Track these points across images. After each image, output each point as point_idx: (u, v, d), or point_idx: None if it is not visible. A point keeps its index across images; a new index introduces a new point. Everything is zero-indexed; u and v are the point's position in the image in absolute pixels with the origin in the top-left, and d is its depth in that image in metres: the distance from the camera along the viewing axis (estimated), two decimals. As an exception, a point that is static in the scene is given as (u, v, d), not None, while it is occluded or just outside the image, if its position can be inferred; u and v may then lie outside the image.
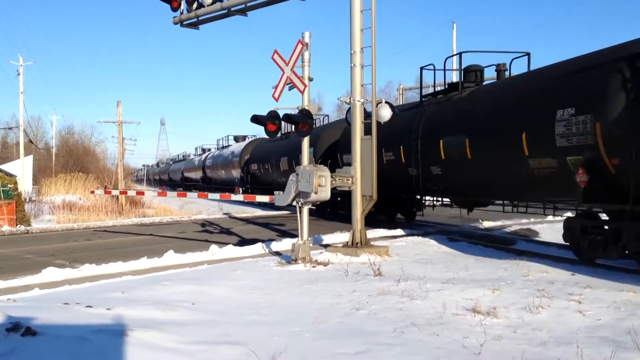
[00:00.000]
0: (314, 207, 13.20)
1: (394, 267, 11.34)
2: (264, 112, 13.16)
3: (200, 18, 16.09)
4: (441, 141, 13.80)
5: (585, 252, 11.54)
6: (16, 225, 24.13)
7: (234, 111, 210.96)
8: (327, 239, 16.50)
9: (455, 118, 13.99)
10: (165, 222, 27.24)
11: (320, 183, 12.11)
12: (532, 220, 21.72)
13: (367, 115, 13.91)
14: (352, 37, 13.32)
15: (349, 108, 14.07)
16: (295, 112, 13.31)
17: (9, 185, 25.14)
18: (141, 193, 30.77)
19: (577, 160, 10.80)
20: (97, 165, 57.85)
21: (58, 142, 68.69)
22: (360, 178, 13.30)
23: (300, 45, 12.82)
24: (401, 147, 17.41)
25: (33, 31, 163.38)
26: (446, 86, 17.27)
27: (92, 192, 29.76)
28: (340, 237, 16.70)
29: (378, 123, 13.51)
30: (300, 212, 12.72)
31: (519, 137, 12.18)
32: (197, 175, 51.82)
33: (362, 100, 13.59)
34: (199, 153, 59.06)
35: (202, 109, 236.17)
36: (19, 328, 5.78)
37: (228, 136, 47.53)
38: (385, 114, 14.06)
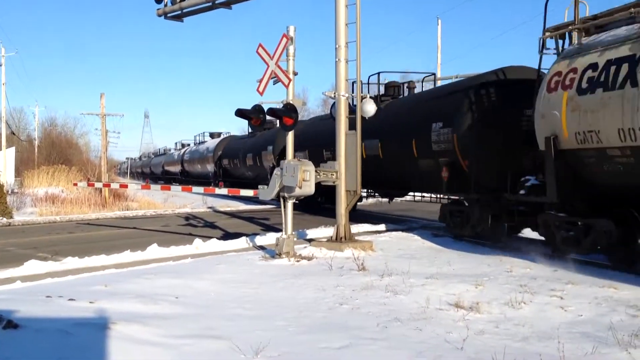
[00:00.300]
0: (297, 202, 13.16)
1: (378, 262, 11.37)
2: (249, 106, 13.14)
3: (184, 10, 16.01)
4: (363, 143, 15.67)
5: (452, 229, 15.43)
6: (-3, 217, 23.89)
7: (219, 104, 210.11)
8: (311, 233, 16.51)
9: (373, 125, 16.00)
10: (149, 216, 27.11)
11: (305, 178, 12.10)
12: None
13: (352, 110, 13.92)
14: (337, 31, 13.31)
15: (334, 103, 14.06)
16: (280, 106, 13.28)
17: (-10, 177, 24.89)
18: (125, 186, 30.56)
19: (444, 161, 14.71)
20: (80, 158, 57.35)
21: (41, 134, 68.02)
22: (344, 173, 13.31)
23: (285, 39, 12.78)
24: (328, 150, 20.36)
25: (15, 22, 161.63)
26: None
27: (75, 184, 29.57)
28: (324, 231, 16.72)
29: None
30: (284, 207, 12.71)
31: (410, 142, 16.07)
32: (176, 168, 54.63)
33: (346, 95, 13.60)
34: (178, 148, 61.50)
35: (187, 102, 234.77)
36: (1, 321, 5.76)
37: (204, 132, 50.40)
38: (370, 109, 14.08)
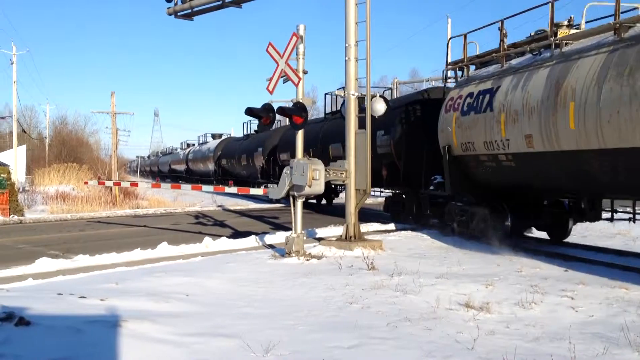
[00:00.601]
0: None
1: (388, 261, 11.36)
2: (259, 105, 13.14)
3: (194, 9, 16.04)
4: (330, 146, 19.79)
5: (394, 216, 19.40)
6: (9, 215, 24.03)
7: (229, 103, 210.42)
8: (320, 232, 16.52)
9: (337, 131, 19.74)
10: (159, 214, 27.20)
11: (314, 176, 12.10)
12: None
13: (362, 109, 13.91)
14: (347, 30, 13.29)
15: (343, 101, 14.04)
16: (289, 105, 13.27)
17: (2, 175, 25.00)
18: (135, 184, 30.67)
19: (385, 161, 18.71)
20: (90, 156, 57.55)
21: (51, 132, 68.30)
22: (354, 172, 13.30)
23: (294, 38, 12.77)
24: (311, 150, 23.12)
25: (26, 20, 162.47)
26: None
27: (86, 183, 29.73)
28: (333, 230, 16.72)
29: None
30: (294, 205, 12.72)
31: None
32: (181, 167, 58.61)
33: (356, 94, 13.58)
34: (183, 147, 65.61)
35: (197, 101, 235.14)
36: (13, 318, 5.78)
37: (206, 134, 55.02)
38: (380, 107, 14.07)
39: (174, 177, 60.94)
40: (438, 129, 15.04)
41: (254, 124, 34.59)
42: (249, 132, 39.13)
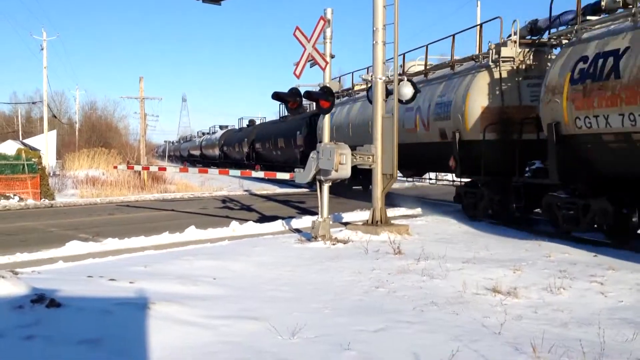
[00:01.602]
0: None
1: (414, 245, 11.32)
2: (286, 89, 13.15)
3: (221, -8, 15.99)
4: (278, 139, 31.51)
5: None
6: (40, 198, 24.46)
7: (255, 87, 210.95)
8: (347, 216, 16.51)
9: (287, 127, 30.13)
10: (186, 198, 27.45)
11: (341, 161, 12.08)
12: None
13: (389, 92, 13.82)
14: (375, 13, 13.19)
15: (370, 86, 13.96)
16: (316, 89, 13.24)
17: (33, 160, 25.46)
18: (163, 169, 31.00)
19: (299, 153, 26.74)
20: (119, 141, 58.32)
21: (81, 117, 69.22)
22: (380, 156, 13.23)
23: (322, 22, 12.71)
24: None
25: (56, 6, 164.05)
26: None
27: (115, 167, 30.08)
28: (360, 215, 16.70)
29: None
30: (320, 190, 12.73)
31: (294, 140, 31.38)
32: (197, 152, 68.54)
33: (383, 78, 13.49)
34: (199, 135, 74.96)
35: (225, 86, 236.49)
36: (44, 300, 5.89)
37: (215, 125, 65.83)
38: (407, 92, 13.97)
39: (192, 161, 70.41)
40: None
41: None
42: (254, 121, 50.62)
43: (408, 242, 11.86)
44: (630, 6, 10.69)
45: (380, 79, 13.39)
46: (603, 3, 11.68)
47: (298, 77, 13.18)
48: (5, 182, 24.18)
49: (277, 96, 13.22)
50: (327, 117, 13.22)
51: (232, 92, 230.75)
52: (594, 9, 11.97)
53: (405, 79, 14.50)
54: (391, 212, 16.26)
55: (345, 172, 12.28)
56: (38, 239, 14.17)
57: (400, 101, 13.78)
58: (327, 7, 13.08)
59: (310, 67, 13.13)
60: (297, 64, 13.02)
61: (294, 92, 13.14)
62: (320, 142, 13.11)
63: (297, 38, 12.88)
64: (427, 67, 18.99)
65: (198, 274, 8.63)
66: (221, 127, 62.02)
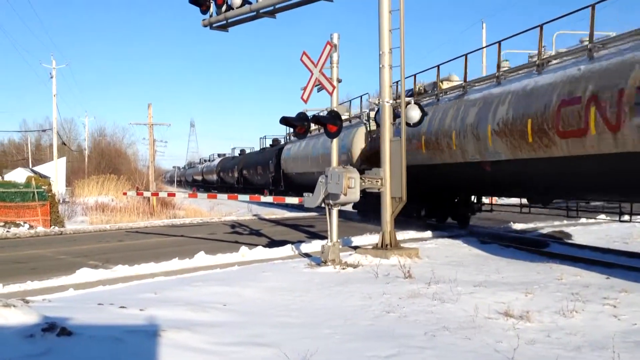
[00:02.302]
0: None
1: (424, 269, 11.27)
2: (294, 112, 13.22)
3: (229, 20, 16.15)
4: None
5: None
6: (50, 226, 24.53)
7: (263, 111, 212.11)
8: (356, 240, 16.47)
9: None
10: (195, 223, 27.47)
11: (350, 185, 12.08)
12: (565, 222, 21.43)
13: (397, 116, 13.86)
14: (381, 37, 13.28)
15: (378, 109, 14.00)
16: (324, 113, 13.30)
17: (43, 187, 25.57)
18: (172, 194, 31.06)
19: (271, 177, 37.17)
20: (128, 167, 58.61)
21: (90, 144, 69.68)
22: (389, 179, 13.24)
23: (328, 47, 12.81)
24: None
25: (65, 35, 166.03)
26: None
27: (125, 193, 30.17)
28: (369, 239, 16.65)
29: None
30: (329, 214, 12.72)
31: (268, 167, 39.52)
32: (199, 177, 77.39)
33: (390, 102, 13.53)
34: (202, 162, 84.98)
35: (232, 110, 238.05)
36: (55, 328, 5.88)
37: (214, 153, 75.58)
38: (415, 115, 14.01)
39: (195, 185, 79.79)
40: None
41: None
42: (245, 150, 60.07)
43: (418, 266, 11.81)
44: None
45: (387, 102, 13.44)
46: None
47: (306, 101, 13.26)
48: (15, 210, 24.29)
49: (285, 121, 13.29)
50: (335, 141, 13.25)
51: (239, 117, 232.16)
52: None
53: (413, 101, 14.55)
54: (400, 235, 16.22)
55: (354, 196, 12.28)
56: (48, 267, 14.19)
57: (407, 124, 13.82)
58: (334, 32, 13.20)
59: (318, 91, 13.20)
60: (305, 89, 13.10)
61: (302, 116, 13.20)
62: (326, 167, 13.13)
63: (304, 63, 12.98)
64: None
65: (208, 300, 8.61)
66: (219, 155, 71.06)
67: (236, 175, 51.37)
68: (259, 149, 53.32)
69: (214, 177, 64.22)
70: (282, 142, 48.16)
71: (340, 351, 6.12)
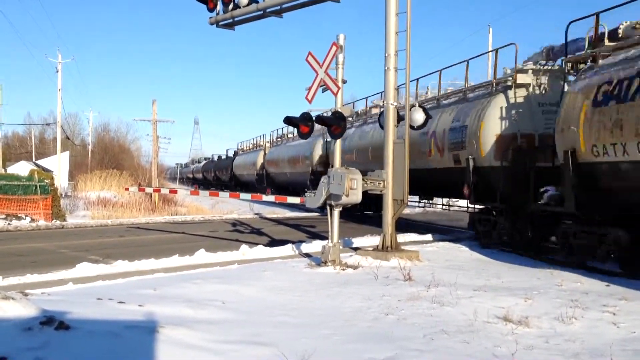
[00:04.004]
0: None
1: (425, 272, 11.25)
2: (298, 112, 13.22)
3: (235, 19, 16.15)
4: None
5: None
6: (52, 220, 24.56)
7: (268, 111, 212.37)
8: (357, 242, 16.46)
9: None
10: (196, 221, 27.48)
11: (352, 186, 12.07)
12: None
13: (401, 118, 13.84)
14: (387, 39, 13.26)
15: (382, 111, 13.99)
16: (328, 114, 13.29)
17: (45, 181, 25.60)
18: (174, 191, 31.08)
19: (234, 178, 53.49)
20: (131, 163, 58.68)
21: (94, 139, 69.63)
22: (391, 182, 13.22)
23: (334, 48, 12.81)
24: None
25: (71, 29, 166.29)
26: None
27: (127, 189, 30.16)
28: (370, 240, 16.64)
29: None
30: (330, 215, 12.71)
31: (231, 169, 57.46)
32: (191, 176, 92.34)
33: (395, 104, 13.52)
34: (194, 163, 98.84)
35: (236, 109, 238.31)
36: (53, 322, 5.87)
37: (213, 154, 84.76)
38: (419, 117, 13.99)
39: (189, 181, 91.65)
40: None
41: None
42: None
43: (418, 269, 11.79)
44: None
45: (392, 104, 13.41)
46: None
47: (310, 102, 13.27)
48: (17, 203, 24.31)
49: (289, 120, 13.27)
50: (338, 142, 13.25)
51: (244, 116, 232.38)
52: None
53: (417, 104, 14.54)
54: (401, 237, 16.19)
55: (356, 197, 12.26)
56: (48, 260, 14.20)
57: (411, 127, 13.80)
58: (340, 32, 13.20)
59: (322, 92, 13.19)
60: (309, 89, 13.09)
61: (306, 116, 13.19)
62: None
63: (310, 63, 12.97)
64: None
65: (207, 298, 8.61)
66: (205, 159, 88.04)
67: (212, 175, 70.30)
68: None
69: (200, 175, 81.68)
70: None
71: (338, 352, 6.11)
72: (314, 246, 15.24)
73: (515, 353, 6.07)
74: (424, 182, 18.43)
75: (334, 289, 9.81)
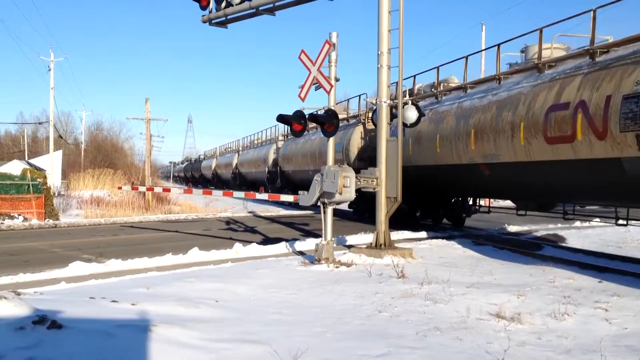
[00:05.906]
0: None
1: (418, 269, 11.28)
2: (291, 110, 13.22)
3: (228, 17, 16.13)
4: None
5: None
6: (45, 219, 24.47)
7: (261, 108, 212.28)
8: (350, 239, 16.48)
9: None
10: (190, 219, 27.45)
11: (345, 184, 12.08)
12: (560, 225, 21.49)
13: (394, 116, 13.86)
14: (380, 37, 13.27)
15: (375, 109, 13.99)
16: (321, 112, 13.29)
17: (38, 180, 25.50)
18: (167, 190, 30.94)
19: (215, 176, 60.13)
20: (125, 162, 58.58)
21: (87, 137, 69.55)
22: (385, 179, 13.24)
23: (327, 46, 12.80)
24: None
25: (64, 28, 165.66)
26: None
27: (120, 188, 30.03)
28: (364, 238, 16.67)
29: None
30: (324, 212, 12.71)
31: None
32: (182, 174, 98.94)
33: (388, 102, 13.53)
34: (182, 163, 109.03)
35: (230, 107, 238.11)
36: (45, 321, 5.87)
37: (200, 155, 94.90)
38: (412, 115, 14.00)
39: (184, 181, 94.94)
40: None
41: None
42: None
43: (412, 266, 11.82)
44: None
45: (384, 102, 13.43)
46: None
47: (303, 100, 13.26)
48: (10, 202, 24.21)
49: (282, 119, 13.27)
50: (331, 139, 13.25)
51: (237, 113, 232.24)
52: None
53: (410, 102, 14.55)
54: (395, 235, 16.24)
55: (349, 195, 12.28)
56: (41, 260, 14.15)
57: (404, 125, 13.81)
58: (333, 30, 13.19)
59: (315, 90, 13.19)
60: (302, 87, 13.09)
61: (299, 115, 13.18)
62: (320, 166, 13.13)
63: (303, 61, 12.97)
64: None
65: (200, 296, 8.60)
66: (187, 160, 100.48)
67: (197, 174, 78.87)
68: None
69: (183, 174, 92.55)
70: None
71: (331, 350, 6.12)
72: (307, 244, 15.25)
73: (507, 350, 6.08)
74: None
75: (327, 286, 9.82)
